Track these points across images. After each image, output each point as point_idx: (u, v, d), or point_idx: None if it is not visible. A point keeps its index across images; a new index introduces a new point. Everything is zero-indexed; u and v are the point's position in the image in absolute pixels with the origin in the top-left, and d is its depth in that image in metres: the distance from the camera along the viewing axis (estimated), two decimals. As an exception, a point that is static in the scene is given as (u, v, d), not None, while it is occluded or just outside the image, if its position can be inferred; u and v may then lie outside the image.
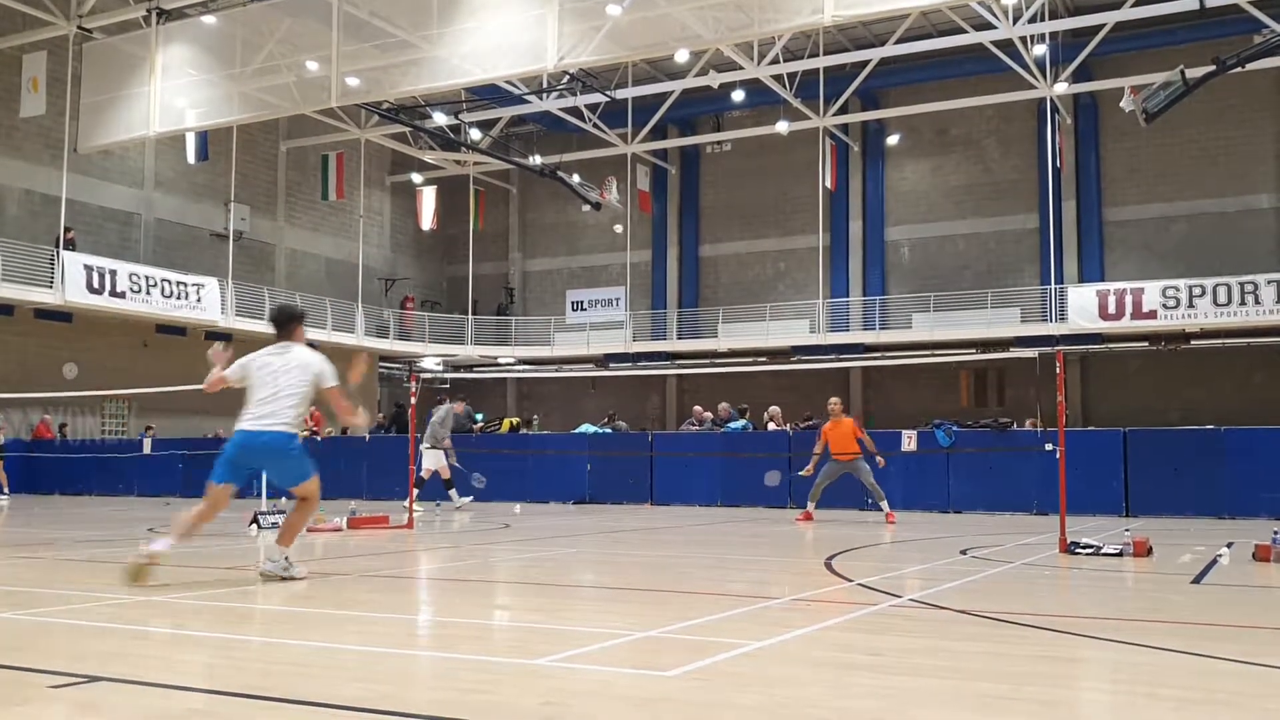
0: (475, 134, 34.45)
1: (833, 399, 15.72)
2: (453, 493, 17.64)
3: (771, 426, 19.54)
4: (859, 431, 14.99)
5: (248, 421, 7.29)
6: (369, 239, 38.16)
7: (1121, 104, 24.11)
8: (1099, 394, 32.18)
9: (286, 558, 7.42)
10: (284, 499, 13.98)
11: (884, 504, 14.76)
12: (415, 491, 14.77)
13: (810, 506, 15.12)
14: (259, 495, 13.53)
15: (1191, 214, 31.54)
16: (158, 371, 27.96)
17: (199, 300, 29.01)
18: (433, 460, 17.34)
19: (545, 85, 30.85)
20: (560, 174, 32.92)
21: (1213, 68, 22.30)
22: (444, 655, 4.88)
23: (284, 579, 7.27)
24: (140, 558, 6.94)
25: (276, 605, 6.57)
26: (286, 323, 7.57)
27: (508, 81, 28.90)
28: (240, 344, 29.89)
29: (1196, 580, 7.76)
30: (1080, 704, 4.04)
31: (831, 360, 31.29)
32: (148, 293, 27.55)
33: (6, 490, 21.49)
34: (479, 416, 24.68)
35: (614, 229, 37.76)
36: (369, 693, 3.93)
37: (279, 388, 7.25)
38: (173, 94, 22.09)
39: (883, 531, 12.86)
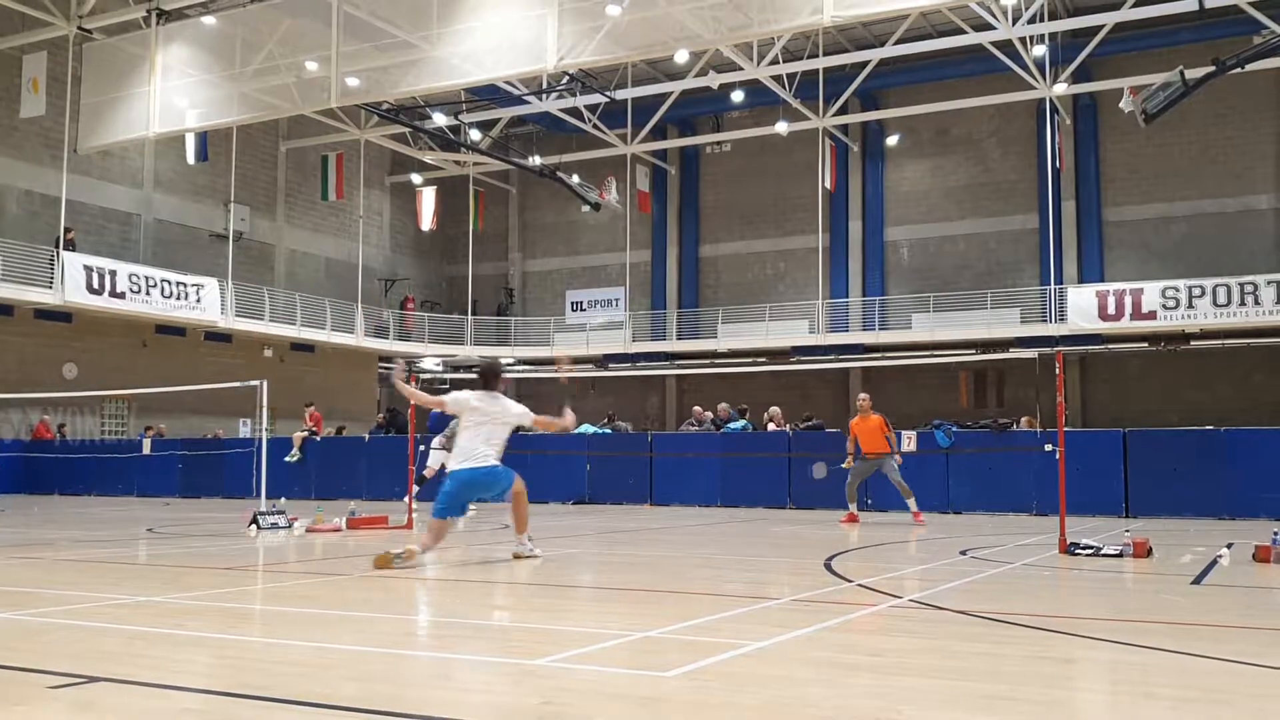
0: (475, 134, 34.46)
1: (862, 395, 15.62)
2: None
3: (771, 427, 19.54)
4: (886, 428, 14.72)
5: (468, 462, 8.74)
6: (369, 239, 38.19)
7: (1121, 104, 24.13)
8: (1098, 395, 32.19)
9: (529, 539, 9.17)
10: (281, 499, 14.02)
11: (911, 502, 14.54)
12: (414, 490, 14.75)
13: (852, 508, 14.85)
14: (258, 496, 13.54)
15: (1191, 214, 31.55)
16: (157, 372, 28.02)
17: (198, 300, 29.01)
18: (440, 460, 17.12)
19: (545, 85, 30.87)
20: (560, 174, 32.92)
21: (1212, 68, 22.31)
22: (443, 655, 4.88)
23: (530, 556, 9.00)
24: (395, 551, 8.35)
25: (275, 605, 6.58)
26: (493, 377, 9.19)
27: (507, 82, 28.92)
28: (239, 344, 29.64)
29: (1196, 581, 7.76)
30: (1079, 704, 4.04)
31: (831, 361, 31.31)
32: (147, 293, 27.55)
33: None
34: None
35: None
36: (368, 693, 3.93)
37: (493, 435, 8.83)
38: (172, 94, 22.08)
39: (880, 532, 12.85)
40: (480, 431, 8.80)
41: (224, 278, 30.38)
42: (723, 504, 18.57)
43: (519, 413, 9.09)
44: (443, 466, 17.25)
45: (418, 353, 37.19)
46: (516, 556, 9.00)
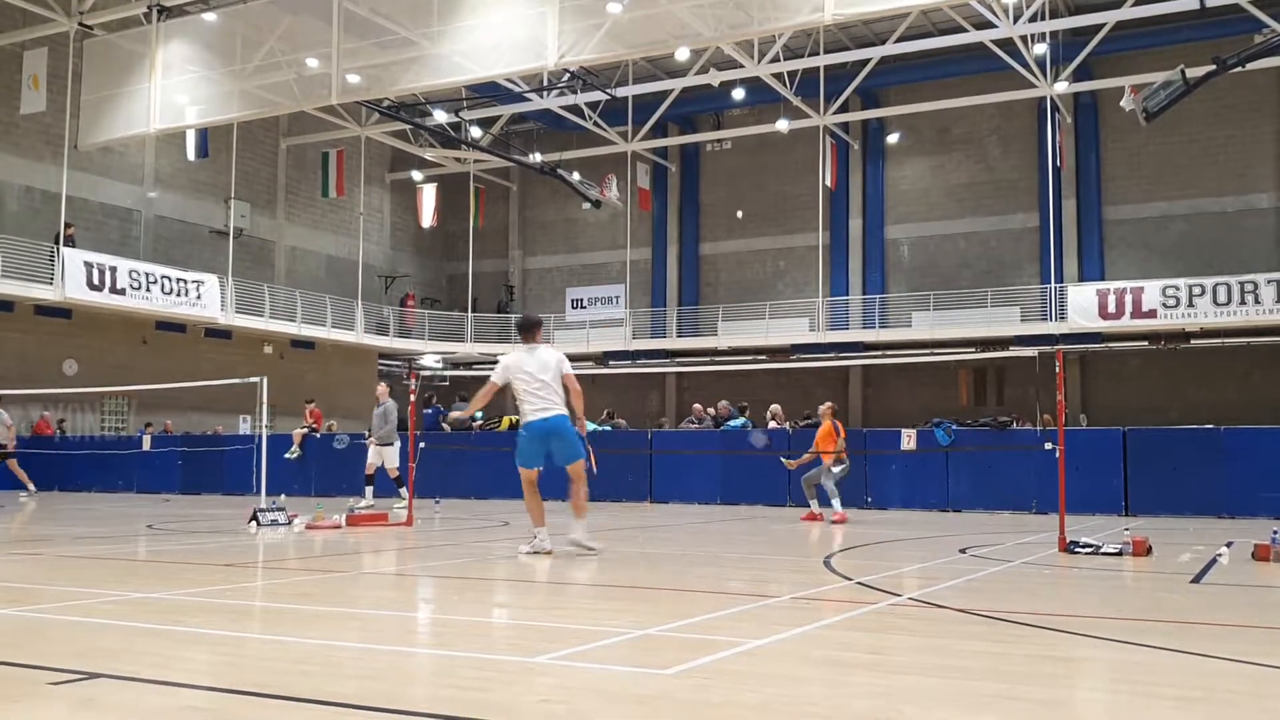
0: (475, 131, 34.45)
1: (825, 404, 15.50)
2: (369, 490, 17.03)
3: (772, 425, 19.55)
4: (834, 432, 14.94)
5: (537, 413, 8.93)
6: (369, 236, 38.17)
7: (1122, 103, 24.09)
8: (1098, 393, 32.19)
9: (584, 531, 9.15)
10: (281, 496, 14.01)
11: (815, 504, 14.84)
12: (407, 489, 14.91)
13: (813, 505, 14.98)
14: (257, 493, 13.54)
15: (1191, 213, 31.55)
16: (157, 368, 28.02)
17: (199, 297, 29.01)
18: (378, 456, 17.01)
19: (545, 83, 30.84)
20: (560, 172, 32.91)
21: (1213, 67, 22.27)
22: (443, 653, 4.88)
23: (587, 550, 9.01)
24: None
25: (276, 602, 6.58)
26: (528, 329, 9.31)
27: (508, 79, 28.88)
28: (239, 341, 29.61)
29: (1196, 580, 7.76)
30: (1079, 703, 4.04)
31: (831, 359, 31.30)
32: (147, 289, 27.55)
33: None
34: (478, 414, 24.65)
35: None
36: (368, 690, 3.93)
37: (547, 386, 8.94)
38: (173, 91, 22.07)
39: (879, 530, 12.86)
40: (534, 384, 8.90)
41: (224, 274, 30.38)
42: (722, 501, 18.57)
43: (558, 359, 9.12)
44: (382, 464, 17.08)
45: (417, 350, 37.21)
46: (575, 544, 9.05)
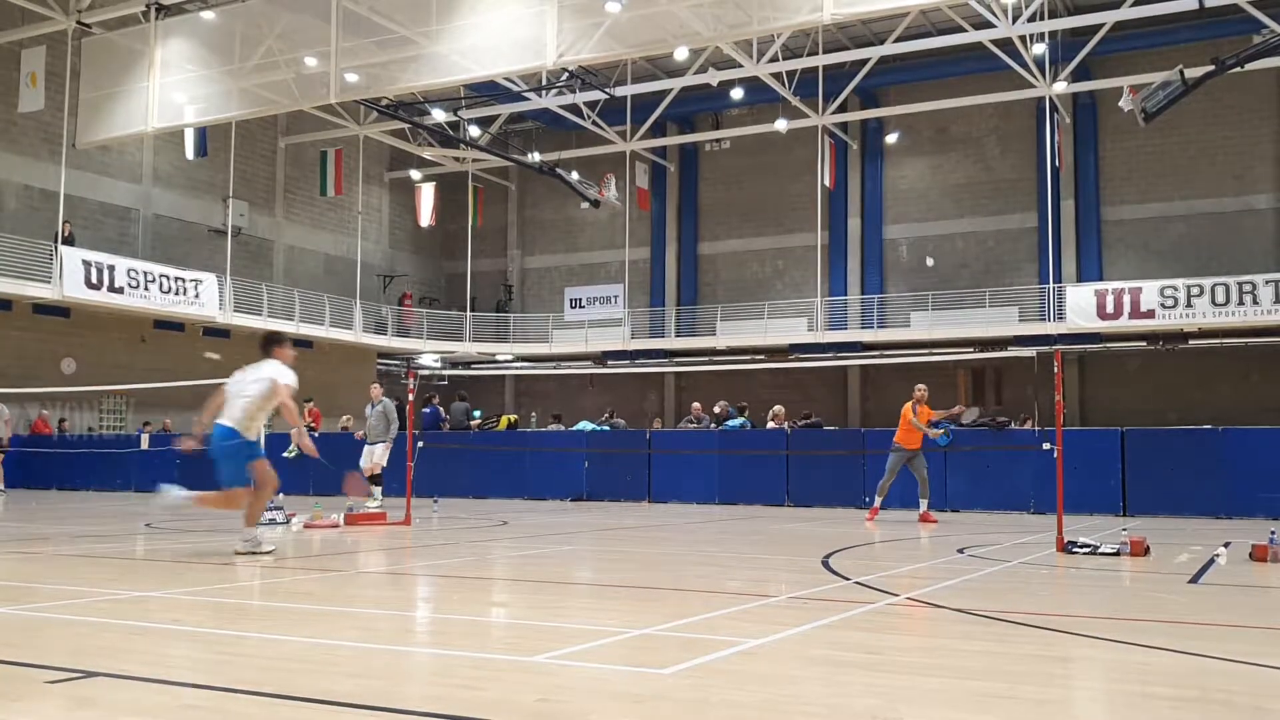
0: (474, 131, 34.42)
1: (919, 385, 15.09)
2: (378, 490, 16.86)
3: (772, 425, 19.56)
4: (932, 413, 14.78)
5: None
6: (367, 235, 38.16)
7: (1120, 103, 24.10)
8: (1097, 393, 32.19)
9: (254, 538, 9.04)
10: (280, 495, 14.00)
11: (925, 502, 14.54)
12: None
13: (878, 502, 14.65)
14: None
15: (1190, 214, 31.56)
16: (156, 367, 28.00)
17: (197, 296, 29.00)
18: (379, 455, 16.96)
19: (544, 82, 30.81)
20: (559, 171, 32.88)
21: (1211, 68, 22.28)
22: (440, 652, 4.88)
23: (254, 553, 8.86)
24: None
25: (273, 601, 6.58)
26: (266, 344, 9.37)
27: (507, 78, 28.85)
28: (238, 339, 29.61)
29: (1193, 580, 7.77)
30: (1076, 703, 4.04)
31: (830, 358, 31.30)
32: (146, 288, 27.53)
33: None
34: (477, 413, 24.68)
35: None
36: (365, 689, 3.93)
37: (232, 404, 9.09)
38: (171, 89, 22.04)
39: (877, 530, 12.85)
40: (229, 396, 9.07)
41: (222, 273, 30.36)
42: (721, 501, 18.57)
43: (255, 378, 9.05)
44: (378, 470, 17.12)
45: (416, 349, 37.20)
46: (237, 553, 8.88)
